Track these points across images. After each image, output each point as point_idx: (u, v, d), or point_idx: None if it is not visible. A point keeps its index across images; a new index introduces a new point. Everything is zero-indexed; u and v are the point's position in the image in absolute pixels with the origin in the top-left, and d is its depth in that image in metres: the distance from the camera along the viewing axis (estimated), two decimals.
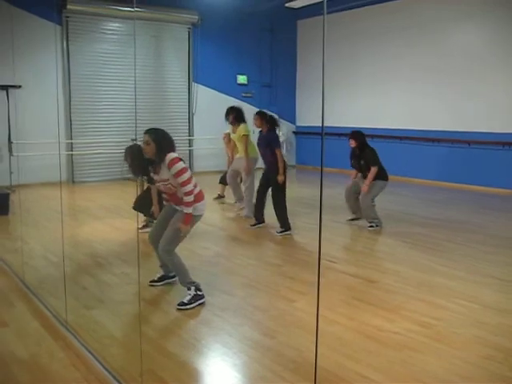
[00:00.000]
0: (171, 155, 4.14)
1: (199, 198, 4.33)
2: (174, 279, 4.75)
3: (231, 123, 7.79)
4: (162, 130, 4.30)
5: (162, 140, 4.20)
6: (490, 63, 10.09)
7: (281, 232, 6.71)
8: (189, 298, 4.26)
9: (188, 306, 4.21)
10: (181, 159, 4.19)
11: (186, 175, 4.16)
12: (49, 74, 10.00)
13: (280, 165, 6.61)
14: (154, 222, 4.88)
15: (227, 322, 3.97)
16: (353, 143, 7.05)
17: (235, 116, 7.71)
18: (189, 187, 4.15)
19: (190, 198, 4.17)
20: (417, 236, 6.67)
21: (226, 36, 13.04)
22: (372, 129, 11.99)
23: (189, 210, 4.18)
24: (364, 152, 7.01)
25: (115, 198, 9.42)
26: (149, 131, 4.21)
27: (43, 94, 10.08)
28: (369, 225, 7.01)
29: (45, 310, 4.13)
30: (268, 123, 6.84)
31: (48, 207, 8.18)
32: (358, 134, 7.07)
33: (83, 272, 5.23)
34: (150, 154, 4.19)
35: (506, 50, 9.86)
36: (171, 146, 4.23)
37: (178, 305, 4.22)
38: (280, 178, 6.58)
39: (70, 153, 11.25)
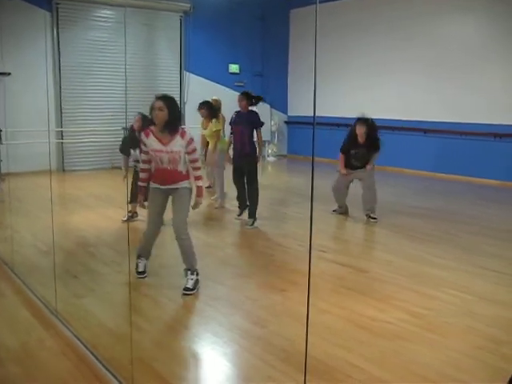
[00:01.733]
0: (190, 133, 4.33)
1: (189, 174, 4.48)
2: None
3: (204, 117, 7.71)
4: (174, 98, 4.34)
5: (175, 108, 4.26)
6: (484, 55, 10.07)
7: (252, 224, 6.53)
8: (192, 282, 4.28)
9: (193, 291, 4.25)
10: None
11: (197, 154, 4.46)
12: (39, 61, 9.88)
13: (261, 145, 6.64)
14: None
15: (218, 312, 3.96)
16: (363, 129, 6.73)
17: (208, 111, 7.62)
18: (199, 163, 4.49)
19: (200, 172, 4.48)
20: (409, 226, 6.67)
21: (218, 24, 12.96)
22: None
23: (200, 183, 4.41)
24: (373, 140, 6.81)
25: (105, 187, 9.37)
26: (163, 98, 4.21)
27: (33, 81, 9.98)
28: (372, 215, 6.86)
29: (35, 299, 4.11)
30: (252, 103, 6.66)
31: (38, 196, 8.11)
32: (371, 121, 6.81)
33: (73, 261, 5.21)
34: (160, 121, 4.18)
35: (500, 41, 9.86)
36: (180, 116, 4.44)
37: (184, 290, 4.23)
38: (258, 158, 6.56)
39: (61, 141, 11.16)
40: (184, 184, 4.35)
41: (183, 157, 4.30)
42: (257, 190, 6.61)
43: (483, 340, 3.49)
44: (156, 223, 4.51)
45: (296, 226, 6.65)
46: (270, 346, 3.39)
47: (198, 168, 4.45)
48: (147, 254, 4.68)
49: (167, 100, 4.19)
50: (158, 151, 4.27)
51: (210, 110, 7.60)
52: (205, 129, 7.73)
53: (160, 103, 4.15)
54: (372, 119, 6.90)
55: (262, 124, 6.65)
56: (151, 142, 4.29)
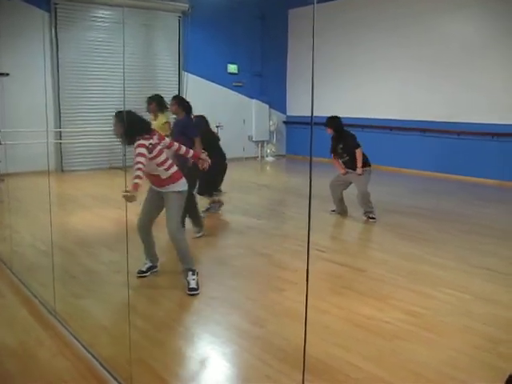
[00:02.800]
0: (138, 142, 4.23)
1: (177, 176, 4.47)
2: (157, 269, 4.80)
3: (152, 112, 7.25)
4: (131, 114, 4.37)
5: (128, 123, 4.28)
6: (483, 54, 10.08)
7: (200, 233, 6.06)
8: (195, 282, 4.33)
9: (198, 291, 4.29)
10: (145, 146, 4.21)
11: (137, 158, 4.16)
12: (37, 61, 9.88)
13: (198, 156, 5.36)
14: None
15: (216, 311, 3.97)
16: (330, 131, 6.95)
17: (156, 104, 7.20)
18: (137, 166, 4.14)
19: (137, 173, 4.12)
20: (406, 226, 6.69)
21: (217, 24, 12.95)
22: (363, 119, 12.02)
23: (135, 181, 4.06)
24: (342, 137, 6.95)
25: (104, 187, 9.38)
26: (117, 113, 4.38)
27: (32, 81, 9.97)
28: (371, 216, 6.91)
29: (33, 299, 4.11)
30: (185, 109, 6.05)
31: (37, 196, 8.11)
32: (332, 120, 6.97)
33: (72, 261, 5.21)
34: (118, 134, 4.40)
35: (500, 41, 9.86)
36: (138, 129, 4.29)
37: (189, 290, 4.27)
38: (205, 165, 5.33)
39: (59, 141, 11.16)
40: (170, 188, 4.43)
41: (148, 164, 4.26)
42: (191, 201, 5.82)
43: (480, 339, 3.51)
44: (145, 216, 4.62)
45: (295, 226, 6.65)
46: (269, 345, 3.40)
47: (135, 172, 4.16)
48: (150, 255, 4.75)
49: (119, 115, 4.34)
50: None
51: (158, 103, 7.22)
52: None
53: (115, 119, 4.35)
54: (332, 117, 7.00)
55: (196, 134, 5.92)
56: None
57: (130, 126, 4.27)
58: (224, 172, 7.37)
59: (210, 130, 7.25)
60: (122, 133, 4.34)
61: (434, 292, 4.37)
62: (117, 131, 4.39)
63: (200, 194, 6.95)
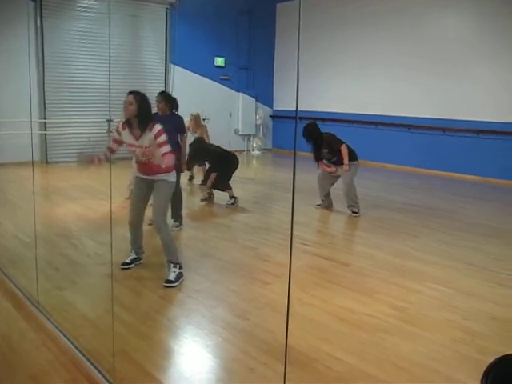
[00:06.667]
0: (158, 126, 4.22)
1: (171, 168, 4.44)
2: (141, 261, 4.78)
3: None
4: (145, 95, 4.33)
5: (145, 104, 4.25)
6: (469, 52, 10.16)
7: (177, 226, 6.06)
8: (174, 275, 4.33)
9: (175, 284, 4.28)
10: (164, 131, 4.26)
11: (167, 147, 4.25)
12: (21, 51, 9.78)
13: (184, 154, 6.12)
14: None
15: (201, 304, 3.97)
16: (310, 140, 6.72)
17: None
18: (165, 149, 4.25)
19: (169, 157, 4.23)
20: (391, 221, 6.74)
21: (204, 17, 12.91)
22: (349, 114, 12.05)
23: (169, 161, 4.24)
24: (324, 141, 6.80)
25: (89, 179, 9.31)
26: (133, 92, 4.27)
27: (16, 71, 9.87)
28: (354, 210, 6.93)
29: (16, 291, 4.08)
30: (173, 106, 6.01)
31: (21, 187, 8.05)
32: (309, 133, 6.62)
33: (56, 252, 5.18)
34: (129, 115, 4.23)
35: (485, 38, 9.93)
36: (151, 112, 4.35)
37: (165, 282, 4.27)
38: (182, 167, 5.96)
39: (44, 132, 11.07)
40: (163, 176, 4.38)
41: (157, 150, 4.25)
42: (178, 195, 5.92)
43: (461, 332, 3.55)
44: (136, 210, 4.59)
45: (280, 220, 6.67)
46: (253, 338, 3.41)
47: (168, 156, 4.23)
48: (136, 247, 4.73)
49: (137, 95, 4.25)
50: (131, 145, 4.33)
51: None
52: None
53: (130, 97, 4.22)
54: (307, 129, 6.60)
55: (185, 131, 6.15)
56: (125, 135, 4.34)
57: (146, 109, 4.26)
58: (234, 169, 7.70)
59: (215, 149, 7.71)
60: (133, 114, 4.20)
61: (418, 286, 4.41)
62: (128, 111, 4.21)
63: (214, 187, 7.56)
